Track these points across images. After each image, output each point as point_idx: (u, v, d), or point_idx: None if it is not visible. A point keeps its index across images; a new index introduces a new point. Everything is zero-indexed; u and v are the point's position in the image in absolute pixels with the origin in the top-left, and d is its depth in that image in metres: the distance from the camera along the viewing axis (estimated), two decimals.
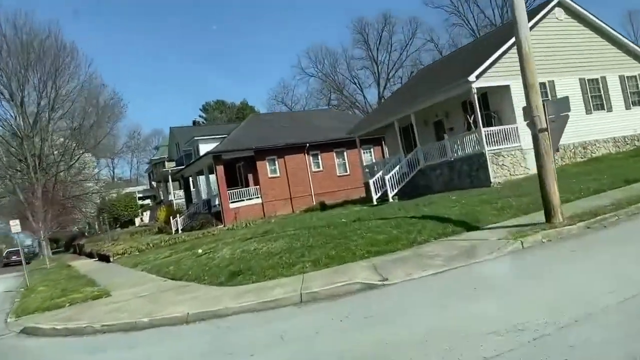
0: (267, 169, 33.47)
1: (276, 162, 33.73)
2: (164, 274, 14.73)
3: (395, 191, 22.75)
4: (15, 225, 18.39)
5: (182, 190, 44.36)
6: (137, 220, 48.89)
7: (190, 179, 38.56)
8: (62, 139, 45.17)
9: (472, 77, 19.21)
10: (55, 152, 44.51)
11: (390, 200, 22.37)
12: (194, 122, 77.82)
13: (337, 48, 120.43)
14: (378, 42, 72.64)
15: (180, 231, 32.75)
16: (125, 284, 14.36)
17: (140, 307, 9.61)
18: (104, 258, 26.78)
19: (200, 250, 16.77)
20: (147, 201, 64.85)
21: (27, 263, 43.63)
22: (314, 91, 76.89)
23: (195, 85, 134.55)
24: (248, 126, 36.18)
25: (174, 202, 43.46)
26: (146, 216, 49.44)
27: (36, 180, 40.73)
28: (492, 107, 21.58)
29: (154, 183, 58.91)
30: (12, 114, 42.75)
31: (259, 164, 33.08)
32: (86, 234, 60.76)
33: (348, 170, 35.91)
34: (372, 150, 37.12)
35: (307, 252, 10.63)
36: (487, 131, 19.64)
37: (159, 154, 63.27)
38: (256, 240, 15.05)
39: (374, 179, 23.90)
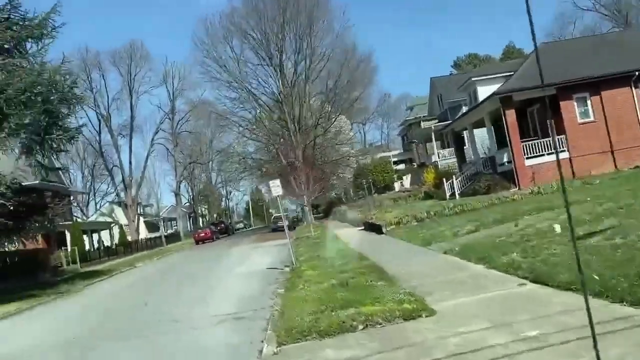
0: (575, 111, 24.31)
1: (588, 102, 24.30)
2: (506, 267, 8.22)
3: None
4: (275, 186, 14.24)
5: (449, 149, 37.99)
6: (397, 185, 44.62)
7: (464, 134, 31.58)
8: (318, 102, 43.12)
9: None
10: (313, 116, 42.66)
11: None
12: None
13: None
14: None
15: (457, 196, 26.29)
16: (440, 281, 8.39)
17: None
18: (374, 228, 22.02)
19: (557, 227, 9.75)
20: (401, 166, 60.66)
21: (292, 229, 43.57)
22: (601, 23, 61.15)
23: (442, 43, 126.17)
24: (540, 58, 27.21)
25: (439, 163, 37.34)
26: (406, 180, 44.85)
27: (296, 143, 39.28)
28: None
29: (413, 144, 53.77)
30: (272, 77, 42.11)
31: (563, 105, 24.12)
32: (343, 199, 59.55)
33: None
34: None
35: None
36: None
37: (412, 114, 58.03)
38: None
39: None
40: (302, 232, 32.03)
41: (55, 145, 20.63)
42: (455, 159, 37.47)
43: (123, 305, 13.22)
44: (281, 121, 41.67)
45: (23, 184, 20.95)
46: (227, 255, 24.94)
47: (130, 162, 62.63)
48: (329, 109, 41.05)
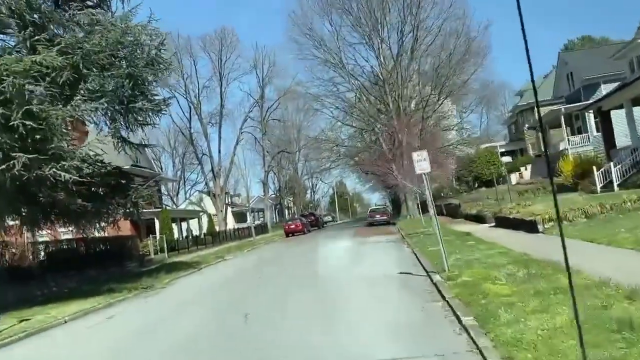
0: None
1: None
2: None
3: None
4: (421, 160, 10.18)
5: (582, 135, 32.18)
6: (514, 178, 38.87)
7: (614, 113, 25.63)
8: (422, 82, 38.24)
9: None
10: (418, 96, 37.93)
11: None
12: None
13: None
14: None
15: (615, 188, 20.90)
16: None
17: None
18: (516, 224, 17.33)
19: None
20: (506, 158, 54.35)
21: (390, 223, 39.41)
22: None
23: (548, 29, 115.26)
24: None
25: (569, 151, 31.48)
26: (526, 172, 39.07)
27: (400, 127, 34.93)
28: None
29: (531, 131, 47.52)
30: (375, 51, 37.78)
31: None
32: (442, 193, 54.30)
33: None
34: None
35: None
36: None
37: (523, 100, 51.50)
38: None
39: None
40: (412, 227, 27.73)
41: (140, 118, 17.95)
42: (591, 146, 31.56)
43: (212, 317, 9.73)
44: (381, 104, 37.37)
45: (111, 163, 18.54)
46: (330, 251, 21.27)
47: (219, 151, 61.35)
48: (439, 89, 35.84)
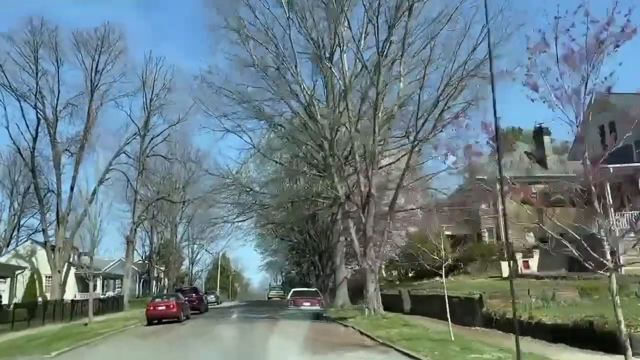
0: None
1: None
2: None
3: None
4: None
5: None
6: (505, 268, 27.08)
7: None
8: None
9: None
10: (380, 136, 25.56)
11: None
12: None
13: None
14: None
15: None
16: None
17: None
18: None
19: None
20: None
21: (319, 317, 25.20)
22: None
23: None
24: None
25: (615, 232, 20.70)
26: (532, 262, 27.67)
27: (366, 175, 22.07)
28: None
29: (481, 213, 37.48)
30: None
31: None
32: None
33: None
34: None
35: None
36: None
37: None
38: None
39: None
40: (398, 334, 14.17)
41: None
42: None
43: None
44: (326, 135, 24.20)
45: None
46: None
47: (71, 189, 43.45)
48: (413, 132, 22.53)
